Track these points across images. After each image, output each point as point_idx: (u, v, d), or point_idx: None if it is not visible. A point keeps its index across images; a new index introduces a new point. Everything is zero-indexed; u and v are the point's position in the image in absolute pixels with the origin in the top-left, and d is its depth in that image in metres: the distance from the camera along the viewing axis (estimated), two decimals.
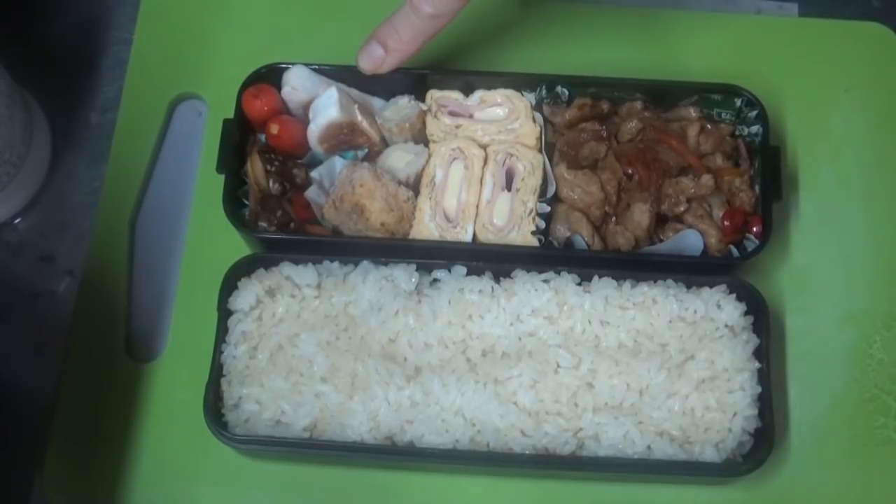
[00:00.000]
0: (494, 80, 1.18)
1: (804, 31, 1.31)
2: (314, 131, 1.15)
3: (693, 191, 1.14)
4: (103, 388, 1.13)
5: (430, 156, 1.16)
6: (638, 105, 1.18)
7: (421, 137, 1.18)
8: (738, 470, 1.05)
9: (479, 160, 1.15)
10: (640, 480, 1.10)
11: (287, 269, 1.10)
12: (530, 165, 1.14)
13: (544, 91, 1.18)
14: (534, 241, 1.12)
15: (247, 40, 1.28)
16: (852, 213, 1.22)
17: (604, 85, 1.18)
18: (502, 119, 1.17)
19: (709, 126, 1.17)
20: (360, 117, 1.15)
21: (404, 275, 1.09)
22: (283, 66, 1.17)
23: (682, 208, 1.13)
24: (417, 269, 1.10)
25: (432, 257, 1.11)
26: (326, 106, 1.14)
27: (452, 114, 1.17)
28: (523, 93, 1.18)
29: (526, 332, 1.08)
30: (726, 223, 1.13)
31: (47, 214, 1.23)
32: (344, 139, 1.15)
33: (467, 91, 1.18)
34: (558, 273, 1.10)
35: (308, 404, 1.06)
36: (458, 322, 1.08)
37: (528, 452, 1.04)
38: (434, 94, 1.18)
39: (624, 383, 1.06)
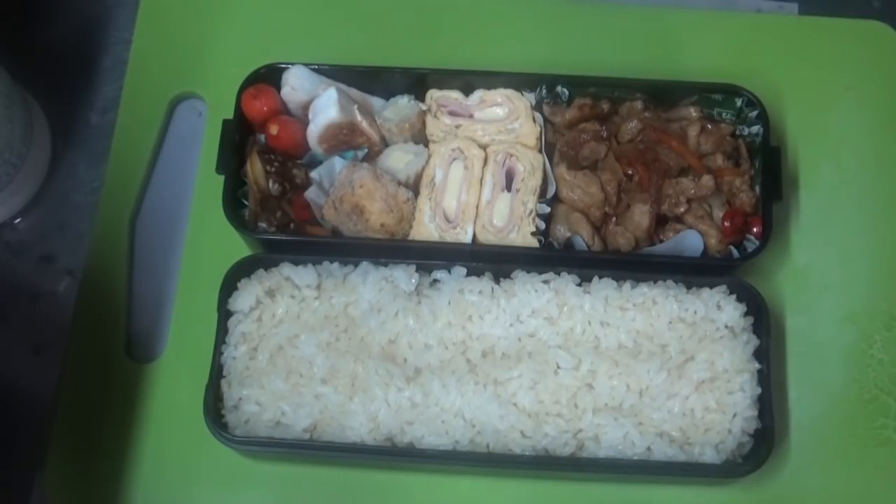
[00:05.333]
0: (494, 79, 1.18)
1: (804, 30, 1.31)
2: (314, 132, 1.14)
3: (693, 191, 1.13)
4: (103, 389, 1.14)
5: (429, 156, 1.16)
6: (638, 105, 1.18)
7: (421, 137, 1.18)
8: (737, 471, 1.05)
9: (479, 160, 1.15)
10: (639, 481, 1.10)
11: (287, 269, 1.10)
12: (530, 166, 1.14)
13: (544, 91, 1.18)
14: (534, 242, 1.12)
15: (247, 40, 1.28)
16: (852, 213, 1.22)
17: (604, 85, 1.18)
18: (502, 119, 1.17)
19: (709, 126, 1.17)
20: (359, 117, 1.15)
21: (404, 276, 1.09)
22: (283, 66, 1.17)
23: (682, 209, 1.13)
24: (417, 270, 1.10)
25: (432, 258, 1.11)
26: (326, 106, 1.14)
27: (452, 114, 1.17)
28: (523, 93, 1.18)
29: (526, 332, 1.08)
30: (726, 224, 1.13)
31: (47, 214, 1.23)
32: (343, 139, 1.15)
33: (467, 91, 1.18)
34: (558, 274, 1.10)
35: (308, 405, 1.06)
36: (457, 323, 1.08)
37: (527, 453, 1.04)
38: (434, 94, 1.18)
39: (624, 384, 1.06)
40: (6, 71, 1.13)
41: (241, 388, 1.06)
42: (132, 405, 1.13)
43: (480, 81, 1.18)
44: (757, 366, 1.07)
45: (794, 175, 1.23)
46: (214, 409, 1.06)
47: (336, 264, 1.11)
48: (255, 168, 1.14)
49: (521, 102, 1.17)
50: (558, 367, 1.06)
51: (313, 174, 1.16)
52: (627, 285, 1.09)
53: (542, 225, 1.13)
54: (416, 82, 1.18)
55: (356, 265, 1.11)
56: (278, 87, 1.17)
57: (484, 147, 1.16)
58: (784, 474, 1.11)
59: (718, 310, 1.09)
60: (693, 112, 1.18)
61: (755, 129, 1.17)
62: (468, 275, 1.10)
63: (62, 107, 1.26)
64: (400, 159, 1.16)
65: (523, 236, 1.12)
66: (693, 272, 1.11)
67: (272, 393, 1.06)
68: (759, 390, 1.06)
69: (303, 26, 1.29)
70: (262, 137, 1.17)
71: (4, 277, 1.20)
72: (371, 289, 1.09)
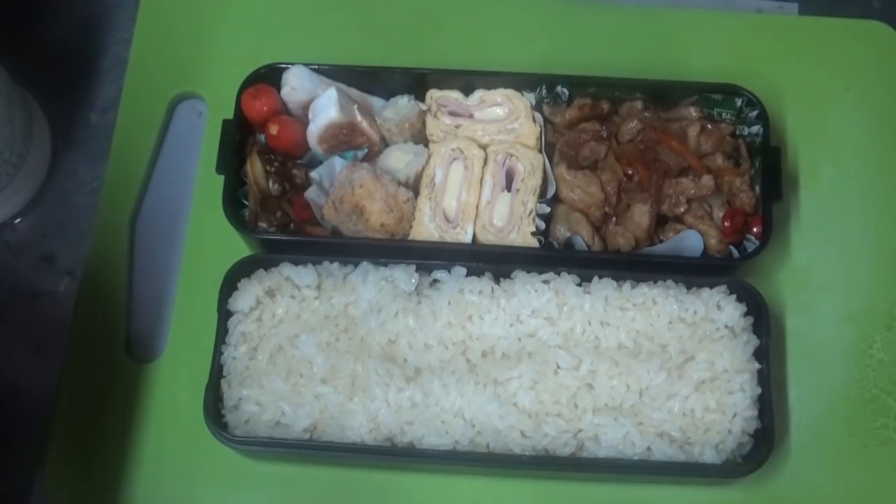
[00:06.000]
0: (494, 79, 1.18)
1: (804, 30, 1.31)
2: (314, 132, 1.14)
3: (693, 191, 1.13)
4: (103, 389, 1.14)
5: (429, 156, 1.16)
6: (638, 105, 1.18)
7: (421, 137, 1.18)
8: (737, 471, 1.05)
9: (479, 160, 1.15)
10: (639, 481, 1.10)
11: (287, 269, 1.10)
12: (530, 166, 1.14)
13: (544, 91, 1.18)
14: (534, 242, 1.11)
15: (247, 40, 1.28)
16: (852, 213, 1.22)
17: (604, 85, 1.18)
18: (502, 119, 1.17)
19: (709, 126, 1.17)
20: (359, 117, 1.15)
21: (404, 276, 1.09)
22: (283, 66, 1.17)
23: (682, 209, 1.13)
24: (417, 270, 1.10)
25: (432, 258, 1.11)
26: (326, 106, 1.14)
27: (452, 114, 1.17)
28: (523, 93, 1.18)
29: (526, 332, 1.08)
30: (726, 224, 1.13)
31: (47, 214, 1.23)
32: (343, 139, 1.15)
33: (467, 91, 1.18)
34: (558, 274, 1.10)
35: (308, 405, 1.06)
36: (457, 323, 1.08)
37: (527, 453, 1.04)
38: (434, 94, 1.18)
39: (624, 384, 1.06)
40: (6, 71, 1.13)
41: (241, 388, 1.06)
42: (132, 405, 1.13)
43: (480, 81, 1.18)
44: (757, 366, 1.07)
45: (794, 175, 1.23)
46: (214, 409, 1.06)
47: (336, 264, 1.11)
48: (255, 168, 1.14)
49: (521, 102, 1.17)
50: (558, 367, 1.06)
51: (313, 174, 1.16)
52: (627, 285, 1.09)
53: (542, 225, 1.13)
54: (416, 82, 1.18)
55: (356, 265, 1.11)
56: (278, 87, 1.17)
57: (484, 147, 1.16)
58: (784, 474, 1.11)
59: (718, 310, 1.09)
60: (693, 112, 1.17)
61: (755, 129, 1.17)
62: (468, 275, 1.10)
63: (62, 107, 1.26)
64: (400, 159, 1.16)
65: (523, 236, 1.12)
66: (693, 272, 1.11)
67: (272, 393, 1.06)
68: (759, 390, 1.06)
69: (303, 26, 1.29)
70: (262, 137, 1.17)
71: (4, 277, 1.20)
72: (371, 289, 1.09)
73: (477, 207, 1.13)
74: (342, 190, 1.11)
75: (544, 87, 1.18)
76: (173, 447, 1.12)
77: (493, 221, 1.13)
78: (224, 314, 1.09)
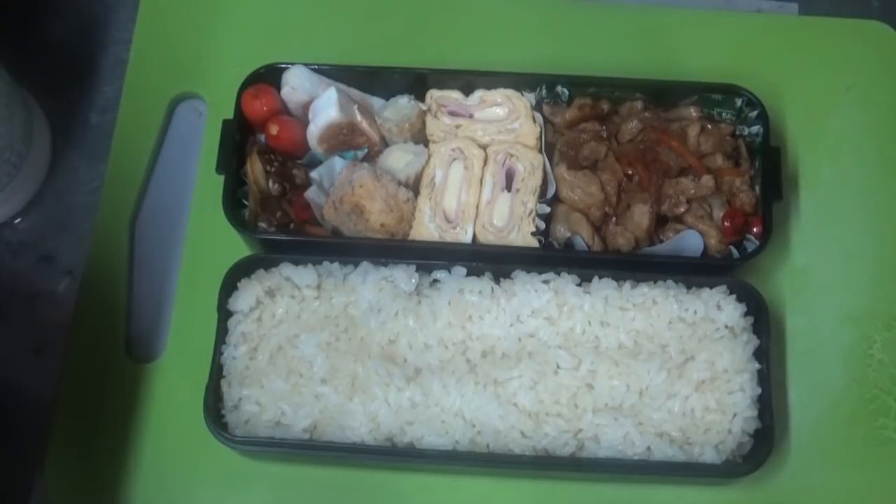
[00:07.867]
0: (494, 79, 1.18)
1: (805, 29, 1.31)
2: (314, 132, 1.15)
3: (693, 191, 1.13)
4: (103, 389, 1.14)
5: (429, 156, 1.16)
6: (638, 105, 1.18)
7: (421, 137, 1.18)
8: (737, 471, 1.05)
9: (479, 160, 1.15)
10: (639, 481, 1.10)
11: (287, 269, 1.10)
12: (530, 166, 1.14)
13: (544, 91, 1.18)
14: (534, 242, 1.11)
15: (247, 40, 1.28)
16: (852, 212, 1.22)
17: (604, 85, 1.18)
18: (502, 119, 1.17)
19: (709, 126, 1.17)
20: (359, 117, 1.15)
21: (404, 276, 1.09)
22: (283, 66, 1.17)
23: (682, 209, 1.13)
24: (417, 270, 1.10)
25: (432, 258, 1.11)
26: (326, 106, 1.14)
27: (452, 114, 1.17)
28: (523, 93, 1.18)
29: (526, 332, 1.08)
30: (726, 224, 1.13)
31: (47, 214, 1.23)
32: (344, 139, 1.15)
33: (467, 91, 1.18)
34: (558, 274, 1.10)
35: (308, 405, 1.06)
36: (457, 323, 1.08)
37: (527, 454, 1.04)
38: (434, 94, 1.18)
39: (624, 384, 1.06)
40: (6, 71, 1.13)
41: (241, 388, 1.06)
42: (132, 405, 1.13)
43: (480, 81, 1.18)
44: (757, 366, 1.07)
45: (794, 175, 1.23)
46: (214, 409, 1.06)
47: (336, 264, 1.11)
48: (255, 168, 1.14)
49: (521, 102, 1.17)
50: (558, 367, 1.06)
51: (313, 174, 1.16)
52: (627, 285, 1.09)
53: (542, 225, 1.13)
54: (416, 82, 1.18)
55: (356, 265, 1.11)
56: (278, 87, 1.17)
57: (484, 147, 1.16)
58: (784, 474, 1.11)
59: (718, 310, 1.09)
60: (693, 112, 1.18)
61: (755, 129, 1.17)
62: (468, 275, 1.10)
63: (62, 107, 1.26)
64: (400, 159, 1.16)
65: (523, 236, 1.12)
66: (693, 272, 1.11)
67: (272, 393, 1.06)
68: (759, 390, 1.06)
69: (303, 26, 1.29)
70: (262, 137, 1.17)
71: (4, 277, 1.20)
72: (371, 289, 1.09)
73: (477, 207, 1.13)
74: (342, 190, 1.11)
75: (544, 87, 1.18)
76: (173, 447, 1.12)
77: (493, 221, 1.13)
78: (224, 314, 1.09)
